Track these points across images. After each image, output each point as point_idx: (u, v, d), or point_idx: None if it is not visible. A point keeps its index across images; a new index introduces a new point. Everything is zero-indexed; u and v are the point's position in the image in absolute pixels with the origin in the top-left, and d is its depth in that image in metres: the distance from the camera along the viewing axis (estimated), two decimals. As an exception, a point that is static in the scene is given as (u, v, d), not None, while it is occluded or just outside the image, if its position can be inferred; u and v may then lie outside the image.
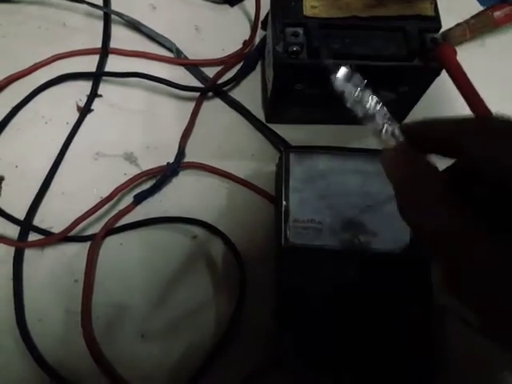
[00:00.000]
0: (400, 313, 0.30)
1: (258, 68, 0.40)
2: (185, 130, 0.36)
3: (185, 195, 0.35)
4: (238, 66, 0.39)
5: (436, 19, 0.30)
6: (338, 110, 0.36)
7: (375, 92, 0.23)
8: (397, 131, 0.21)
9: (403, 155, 0.19)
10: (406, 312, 0.30)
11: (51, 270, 0.33)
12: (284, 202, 0.31)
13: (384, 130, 0.21)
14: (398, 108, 0.36)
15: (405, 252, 0.31)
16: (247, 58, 0.39)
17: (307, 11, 0.30)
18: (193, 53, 0.40)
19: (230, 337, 0.31)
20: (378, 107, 0.22)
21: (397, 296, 0.30)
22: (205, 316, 0.32)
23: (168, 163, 0.35)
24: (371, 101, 0.22)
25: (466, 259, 0.15)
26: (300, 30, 0.30)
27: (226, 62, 0.39)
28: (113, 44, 0.40)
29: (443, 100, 0.37)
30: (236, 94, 0.39)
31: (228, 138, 0.37)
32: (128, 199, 0.35)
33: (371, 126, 0.22)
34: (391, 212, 0.31)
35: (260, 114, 0.38)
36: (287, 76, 0.32)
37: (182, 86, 0.37)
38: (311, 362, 0.29)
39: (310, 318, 0.29)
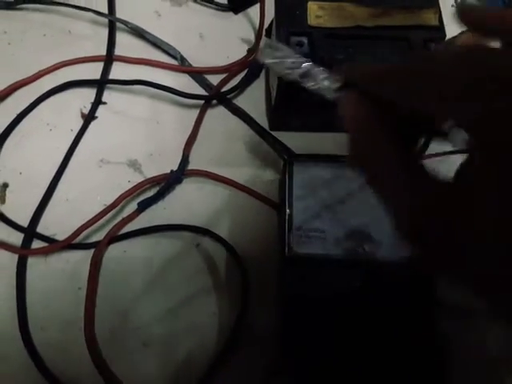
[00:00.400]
0: (404, 323, 0.29)
1: (262, 76, 0.40)
2: (189, 137, 0.36)
3: (188, 203, 0.35)
4: (242, 74, 0.39)
5: (440, 29, 0.30)
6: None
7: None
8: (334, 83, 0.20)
9: (352, 105, 0.18)
10: (409, 323, 0.29)
11: (54, 278, 0.33)
12: (287, 211, 0.31)
13: (327, 84, 0.20)
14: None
15: (410, 262, 0.30)
16: (251, 65, 0.39)
17: (312, 21, 0.30)
18: (197, 60, 0.40)
19: (233, 345, 0.31)
20: (312, 67, 0.21)
21: (401, 306, 0.30)
22: (207, 324, 0.32)
23: (172, 171, 0.35)
24: (304, 63, 0.21)
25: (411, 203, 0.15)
26: (305, 40, 0.31)
27: (230, 70, 0.39)
28: (117, 51, 0.40)
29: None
30: (240, 101, 0.39)
31: (231, 146, 0.37)
32: (132, 206, 0.35)
33: (314, 85, 0.21)
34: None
35: (264, 122, 0.38)
36: (292, 85, 0.32)
37: (186, 93, 0.37)
38: (314, 371, 0.29)
39: (314, 327, 0.29)
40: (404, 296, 0.30)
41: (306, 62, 0.21)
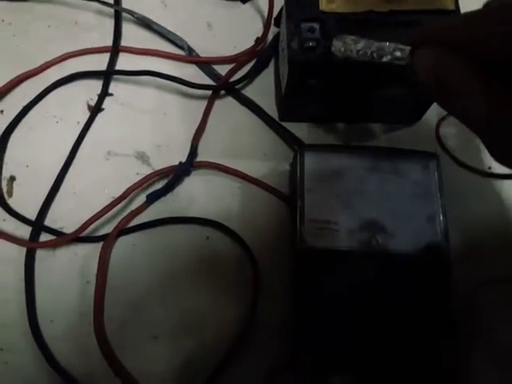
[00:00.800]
0: (419, 315, 0.29)
1: (271, 66, 0.39)
2: (197, 128, 0.36)
3: (197, 195, 0.35)
4: (250, 64, 0.38)
5: (457, 13, 0.29)
6: (353, 108, 0.36)
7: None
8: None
9: (432, 54, 0.21)
10: (424, 315, 0.29)
11: (63, 271, 0.33)
12: (299, 203, 0.31)
13: (398, 54, 0.24)
14: (415, 105, 0.36)
15: (424, 254, 0.30)
16: (260, 55, 0.38)
17: (323, 6, 0.30)
18: (204, 50, 0.39)
19: (243, 339, 0.31)
20: (381, 44, 0.25)
21: (415, 299, 0.29)
22: (218, 317, 0.32)
23: (180, 163, 0.35)
24: (374, 43, 0.26)
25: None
26: (316, 26, 0.30)
27: (238, 60, 0.38)
28: (124, 42, 0.40)
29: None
30: (249, 92, 0.38)
31: (241, 137, 0.37)
32: (140, 199, 0.34)
33: (387, 58, 0.25)
34: (409, 212, 0.31)
35: (273, 113, 0.37)
36: (302, 73, 0.31)
37: (194, 84, 0.36)
38: (330, 365, 0.28)
39: (328, 321, 0.29)
40: (418, 288, 0.29)
41: (375, 42, 0.25)
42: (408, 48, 0.23)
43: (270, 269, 0.33)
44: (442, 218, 0.31)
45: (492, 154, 0.19)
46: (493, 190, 0.35)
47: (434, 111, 0.36)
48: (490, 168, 0.36)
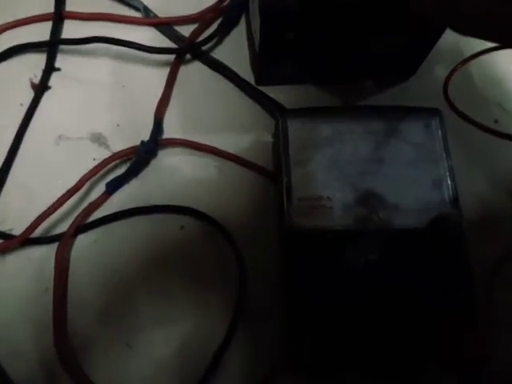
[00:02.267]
0: (433, 301, 0.25)
1: (242, 23, 0.34)
2: (160, 100, 0.31)
3: (167, 179, 0.31)
4: (218, 22, 0.34)
5: None
6: (339, 64, 0.31)
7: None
8: None
9: None
10: (441, 300, 0.25)
11: (16, 279, 0.28)
12: (285, 178, 0.27)
13: None
14: (410, 55, 0.31)
15: (432, 226, 0.26)
16: (228, 11, 0.33)
17: None
18: (164, 10, 0.35)
19: (232, 335, 0.27)
20: None
21: (428, 282, 0.25)
22: (200, 319, 0.28)
23: (142, 142, 0.30)
24: None
25: None
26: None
27: (203, 18, 0.34)
28: (68, 7, 0.35)
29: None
30: (219, 54, 0.33)
31: (213, 107, 0.32)
32: (100, 189, 0.30)
33: None
34: (412, 179, 0.27)
35: (249, 76, 0.33)
36: (276, 23, 0.27)
37: (154, 48, 0.32)
38: (331, 363, 0.25)
39: (326, 313, 0.25)
40: (430, 269, 0.25)
41: None
42: None
43: (257, 257, 0.29)
44: (449, 182, 0.27)
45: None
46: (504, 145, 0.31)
47: (431, 61, 0.32)
48: (496, 121, 0.32)
